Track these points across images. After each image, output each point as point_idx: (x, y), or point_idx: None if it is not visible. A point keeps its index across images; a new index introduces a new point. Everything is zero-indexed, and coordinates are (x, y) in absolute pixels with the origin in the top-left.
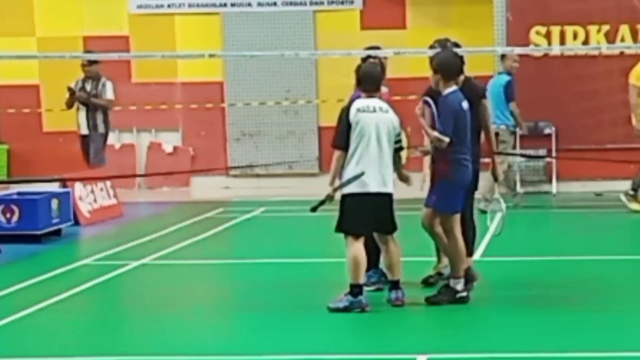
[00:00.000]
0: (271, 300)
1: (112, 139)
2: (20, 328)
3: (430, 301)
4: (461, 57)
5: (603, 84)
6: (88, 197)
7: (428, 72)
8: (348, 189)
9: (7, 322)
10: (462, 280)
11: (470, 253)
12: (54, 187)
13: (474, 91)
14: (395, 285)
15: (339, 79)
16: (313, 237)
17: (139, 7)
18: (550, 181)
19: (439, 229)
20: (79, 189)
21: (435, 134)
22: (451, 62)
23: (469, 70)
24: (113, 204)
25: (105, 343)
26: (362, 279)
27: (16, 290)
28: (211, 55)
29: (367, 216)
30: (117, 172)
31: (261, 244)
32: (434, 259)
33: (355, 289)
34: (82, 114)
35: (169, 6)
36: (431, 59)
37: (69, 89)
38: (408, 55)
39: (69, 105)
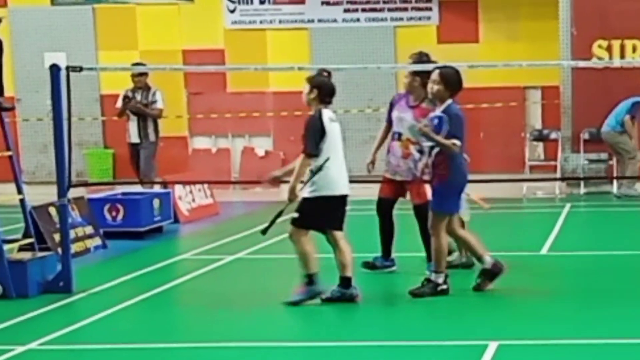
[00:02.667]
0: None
1: (209, 143)
2: (125, 317)
3: (413, 293)
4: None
5: None
6: (187, 197)
7: (499, 83)
8: (319, 192)
9: (113, 311)
10: (442, 275)
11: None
12: (156, 187)
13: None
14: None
15: None
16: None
17: (234, 22)
18: (611, 182)
19: (459, 231)
20: (178, 189)
21: (453, 140)
22: (457, 77)
23: (538, 81)
24: (210, 203)
25: (203, 331)
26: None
27: (121, 282)
28: (300, 68)
29: (336, 215)
30: (214, 174)
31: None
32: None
33: (347, 282)
34: (134, 123)
35: (261, 22)
36: (432, 72)
37: (125, 97)
38: (481, 68)
39: (120, 114)
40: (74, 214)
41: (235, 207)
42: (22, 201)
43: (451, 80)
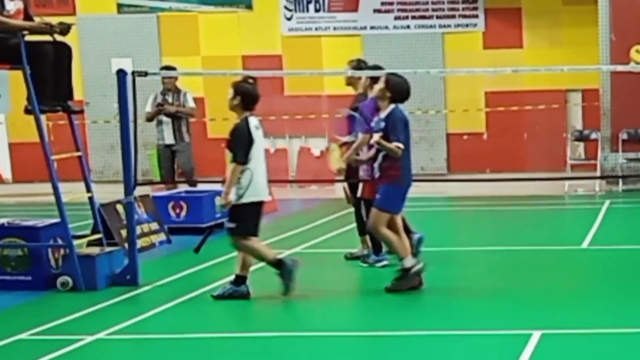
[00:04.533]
0: None
1: (267, 144)
2: (189, 309)
3: (387, 289)
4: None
5: None
6: None
7: (542, 86)
8: (248, 198)
9: (177, 303)
10: (409, 258)
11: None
12: (217, 186)
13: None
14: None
15: (464, 92)
16: (441, 229)
17: (291, 30)
18: None
19: (391, 229)
20: None
21: (396, 144)
22: (401, 87)
23: (578, 85)
24: (268, 200)
25: (263, 321)
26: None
27: (184, 275)
28: (353, 73)
29: (258, 220)
30: (272, 172)
31: None
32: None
33: (242, 280)
34: (167, 126)
35: (316, 29)
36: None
37: (159, 105)
38: (524, 72)
39: (150, 119)
40: (140, 211)
41: (292, 204)
42: (90, 199)
43: (394, 87)
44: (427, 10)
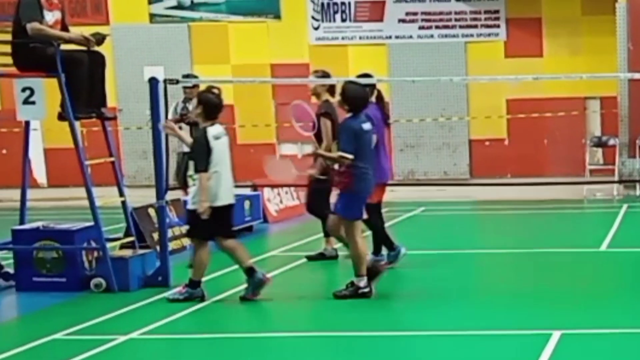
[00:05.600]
0: (430, 285)
1: (295, 149)
2: (219, 309)
3: (335, 295)
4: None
5: None
6: (275, 199)
7: (561, 94)
8: (214, 203)
9: (207, 304)
10: (364, 278)
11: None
12: (246, 190)
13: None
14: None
15: (486, 99)
16: (464, 231)
17: (318, 39)
18: None
19: (342, 233)
20: (267, 191)
21: (339, 153)
22: (356, 94)
23: (597, 92)
24: (296, 204)
25: (292, 321)
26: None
27: (215, 277)
28: (379, 81)
29: (221, 223)
30: (299, 177)
31: (421, 237)
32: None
33: (197, 284)
34: (186, 133)
35: (343, 38)
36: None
37: (182, 115)
38: (545, 79)
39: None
40: (172, 215)
41: None
42: (123, 203)
43: (349, 95)
44: (450, 20)
